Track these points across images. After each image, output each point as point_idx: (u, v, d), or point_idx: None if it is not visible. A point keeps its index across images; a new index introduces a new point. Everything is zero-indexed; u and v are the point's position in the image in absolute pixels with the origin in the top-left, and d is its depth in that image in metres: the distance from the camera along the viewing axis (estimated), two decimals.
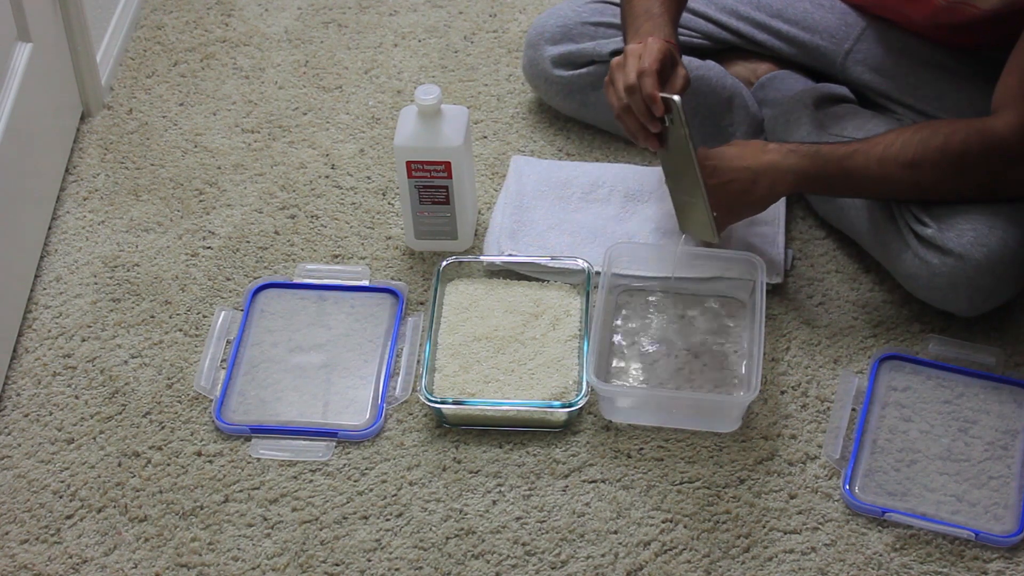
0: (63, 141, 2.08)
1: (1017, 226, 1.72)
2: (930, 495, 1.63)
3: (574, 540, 1.62)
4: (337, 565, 1.60)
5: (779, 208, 1.92)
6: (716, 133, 1.98)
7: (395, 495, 1.66)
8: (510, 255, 1.88)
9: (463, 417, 1.72)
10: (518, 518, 1.64)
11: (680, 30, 2.03)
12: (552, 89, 2.04)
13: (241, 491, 1.67)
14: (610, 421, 1.72)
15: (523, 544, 1.61)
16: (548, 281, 1.85)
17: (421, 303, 1.86)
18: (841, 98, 1.94)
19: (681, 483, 1.66)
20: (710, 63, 2.01)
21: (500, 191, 1.99)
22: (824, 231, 1.93)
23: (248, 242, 1.95)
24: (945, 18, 1.81)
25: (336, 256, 1.93)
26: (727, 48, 2.05)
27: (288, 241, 1.95)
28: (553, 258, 1.86)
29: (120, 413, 1.75)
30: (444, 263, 1.85)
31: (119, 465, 1.70)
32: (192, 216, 1.99)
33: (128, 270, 1.92)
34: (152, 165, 2.07)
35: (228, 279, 1.91)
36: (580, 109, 2.06)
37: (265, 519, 1.64)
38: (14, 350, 1.82)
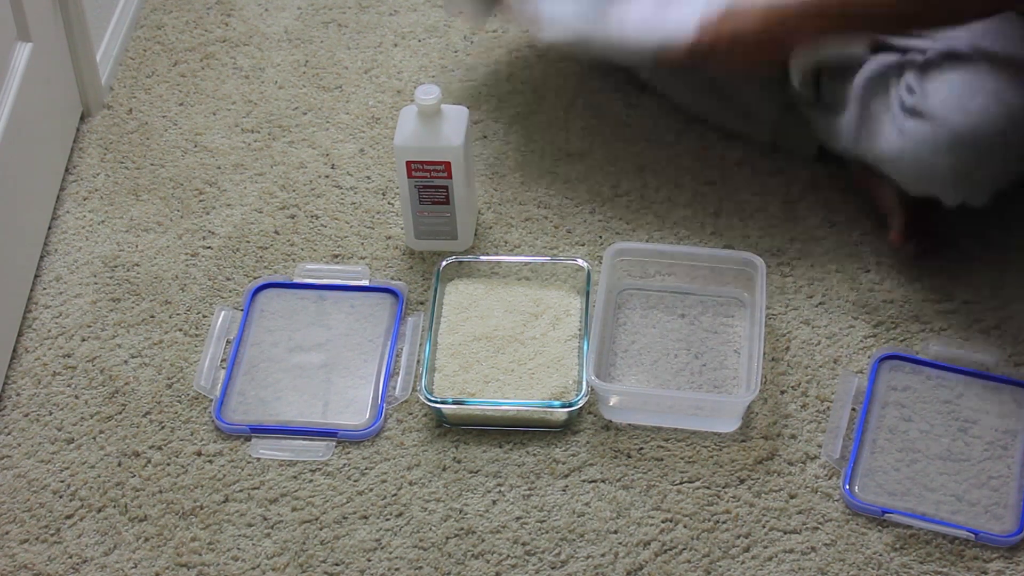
0: (63, 141, 2.08)
1: (1001, 100, 1.69)
2: (930, 495, 1.63)
3: (574, 540, 1.62)
4: (337, 565, 1.60)
5: None
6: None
7: (395, 495, 1.66)
8: (511, 256, 1.88)
9: (463, 417, 1.72)
10: (518, 518, 1.64)
11: None
12: None
13: (241, 491, 1.67)
14: (610, 421, 1.72)
15: (523, 544, 1.61)
16: (548, 281, 1.86)
17: (421, 303, 1.86)
18: None
19: (681, 483, 1.66)
20: None
21: None
22: (824, 231, 1.93)
23: (248, 242, 1.95)
24: None
25: (336, 256, 1.93)
26: None
27: (288, 241, 1.95)
28: (553, 258, 1.86)
29: (120, 413, 1.75)
30: (444, 263, 1.85)
31: (119, 465, 1.70)
32: (192, 216, 1.99)
33: (128, 270, 1.92)
34: (152, 165, 2.07)
35: (228, 279, 1.91)
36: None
37: (265, 519, 1.64)
38: (14, 350, 1.82)
